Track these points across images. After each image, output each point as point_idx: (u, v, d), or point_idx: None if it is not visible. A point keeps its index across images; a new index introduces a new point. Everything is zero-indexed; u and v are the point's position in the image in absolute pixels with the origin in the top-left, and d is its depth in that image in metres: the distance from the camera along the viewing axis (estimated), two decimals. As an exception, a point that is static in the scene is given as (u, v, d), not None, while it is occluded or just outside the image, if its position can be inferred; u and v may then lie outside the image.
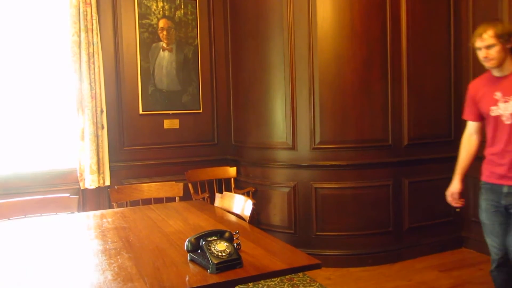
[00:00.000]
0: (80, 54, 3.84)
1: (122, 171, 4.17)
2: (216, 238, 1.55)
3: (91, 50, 3.88)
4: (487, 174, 2.36)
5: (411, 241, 3.81)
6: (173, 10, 4.33)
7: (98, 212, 2.58)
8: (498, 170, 2.28)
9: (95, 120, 3.91)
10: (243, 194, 3.69)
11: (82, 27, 3.83)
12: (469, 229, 4.02)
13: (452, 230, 4.04)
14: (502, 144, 2.26)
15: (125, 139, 4.20)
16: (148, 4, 4.22)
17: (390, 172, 3.74)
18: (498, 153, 2.28)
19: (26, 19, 3.85)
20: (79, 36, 3.83)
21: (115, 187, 2.98)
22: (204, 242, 1.51)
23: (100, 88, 3.96)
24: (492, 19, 2.31)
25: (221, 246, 1.50)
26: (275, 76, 3.87)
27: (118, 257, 1.66)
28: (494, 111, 2.28)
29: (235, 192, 3.55)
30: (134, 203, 2.92)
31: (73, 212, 2.58)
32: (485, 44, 2.21)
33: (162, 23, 4.28)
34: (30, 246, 1.90)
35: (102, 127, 3.98)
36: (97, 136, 3.92)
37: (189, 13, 4.40)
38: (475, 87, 2.43)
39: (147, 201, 2.93)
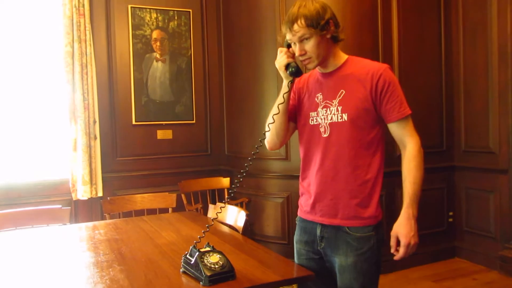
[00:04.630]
0: (73, 64, 3.84)
1: (115, 182, 4.14)
2: (209, 249, 1.54)
3: (84, 61, 3.88)
4: (300, 208, 1.82)
5: (405, 251, 3.80)
6: (166, 21, 4.34)
7: (90, 224, 2.56)
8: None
9: (87, 131, 3.89)
10: (236, 204, 3.69)
11: (76, 37, 3.83)
12: (462, 239, 4.04)
13: (445, 240, 4.05)
14: (317, 165, 1.70)
15: (118, 150, 4.19)
16: (142, 15, 4.24)
17: (383, 182, 3.74)
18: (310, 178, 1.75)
19: (19, 29, 3.85)
20: (72, 47, 3.83)
21: (108, 198, 2.96)
22: (197, 254, 1.50)
23: (93, 99, 3.95)
24: None
25: (214, 258, 1.49)
26: (268, 87, 3.89)
27: (110, 269, 1.65)
28: (314, 119, 1.72)
29: (228, 203, 3.54)
30: (127, 214, 2.91)
31: (65, 224, 2.56)
32: (297, 36, 1.58)
33: (155, 34, 4.30)
34: (21, 259, 1.88)
35: (95, 138, 3.96)
36: (89, 147, 3.90)
37: (183, 24, 4.42)
38: (303, 82, 1.80)
39: (140, 212, 2.92)
